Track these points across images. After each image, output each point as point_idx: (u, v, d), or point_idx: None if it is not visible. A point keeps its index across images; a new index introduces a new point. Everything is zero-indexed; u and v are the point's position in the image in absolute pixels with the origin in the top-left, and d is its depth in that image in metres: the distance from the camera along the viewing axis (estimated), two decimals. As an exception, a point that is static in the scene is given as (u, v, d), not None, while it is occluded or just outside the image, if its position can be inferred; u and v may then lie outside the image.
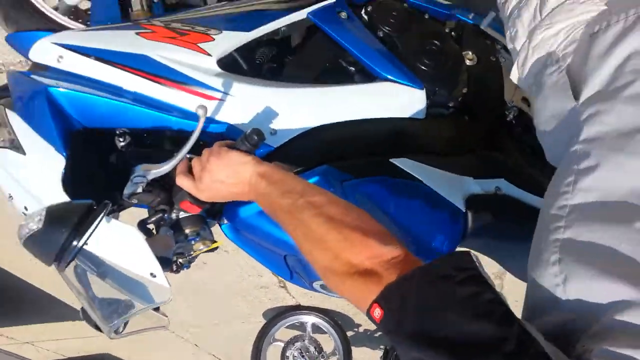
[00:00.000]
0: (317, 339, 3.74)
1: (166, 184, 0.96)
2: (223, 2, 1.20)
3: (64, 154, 0.91)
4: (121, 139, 0.98)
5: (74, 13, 1.36)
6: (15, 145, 0.96)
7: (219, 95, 0.99)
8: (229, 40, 1.05)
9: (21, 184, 0.98)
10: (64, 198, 0.90)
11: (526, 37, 0.87)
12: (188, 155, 0.92)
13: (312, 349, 3.71)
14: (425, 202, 1.07)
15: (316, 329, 3.69)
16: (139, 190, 0.93)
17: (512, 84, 1.09)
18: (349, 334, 3.71)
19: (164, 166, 0.90)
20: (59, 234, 0.70)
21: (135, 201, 0.95)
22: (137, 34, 1.03)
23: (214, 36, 1.04)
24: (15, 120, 0.96)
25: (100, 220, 0.73)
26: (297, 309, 3.81)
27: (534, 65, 0.85)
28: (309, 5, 1.17)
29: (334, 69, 1.16)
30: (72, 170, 0.92)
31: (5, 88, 1.03)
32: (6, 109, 0.99)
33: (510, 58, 1.04)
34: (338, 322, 3.63)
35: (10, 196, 1.02)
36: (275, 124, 1.03)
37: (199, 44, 1.03)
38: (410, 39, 1.23)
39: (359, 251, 0.65)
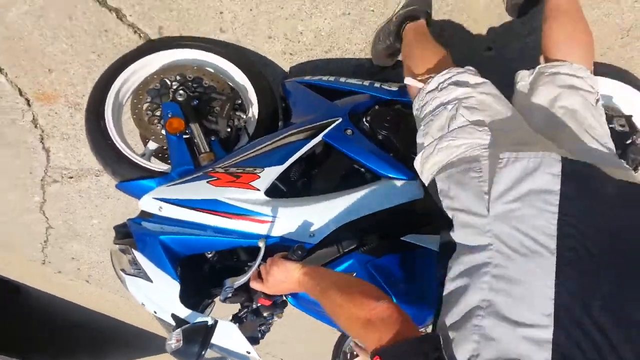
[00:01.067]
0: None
1: (246, 287, 1.41)
2: (262, 139, 1.63)
3: (178, 280, 1.37)
4: (212, 259, 1.44)
5: (158, 154, 1.86)
6: (143, 276, 1.44)
7: (269, 219, 1.42)
8: (269, 175, 1.48)
9: (151, 299, 1.46)
10: (183, 309, 1.38)
11: (435, 139, 1.24)
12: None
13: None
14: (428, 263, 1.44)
15: None
16: (230, 295, 1.38)
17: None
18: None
19: (242, 278, 1.35)
20: (194, 348, 1.16)
21: (228, 302, 1.40)
22: (207, 182, 1.49)
23: (259, 174, 1.48)
24: (140, 258, 1.44)
25: (213, 334, 1.19)
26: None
27: (436, 162, 1.21)
28: (322, 129, 1.59)
29: (349, 174, 1.57)
30: (185, 289, 1.39)
31: (128, 234, 1.52)
32: (133, 250, 1.47)
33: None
34: None
35: (143, 304, 1.50)
36: (313, 229, 1.45)
37: (250, 183, 1.47)
38: (403, 136, 1.62)
39: (361, 307, 1.01)
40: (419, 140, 1.33)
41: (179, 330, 1.21)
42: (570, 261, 0.94)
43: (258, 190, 1.45)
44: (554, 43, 1.43)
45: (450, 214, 1.14)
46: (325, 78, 1.86)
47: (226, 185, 1.47)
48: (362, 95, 1.76)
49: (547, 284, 0.92)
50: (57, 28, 1.95)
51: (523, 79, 1.42)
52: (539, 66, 1.41)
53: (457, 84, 1.31)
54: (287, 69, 2.10)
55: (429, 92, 1.35)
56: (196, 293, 1.45)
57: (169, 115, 1.69)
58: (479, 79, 1.33)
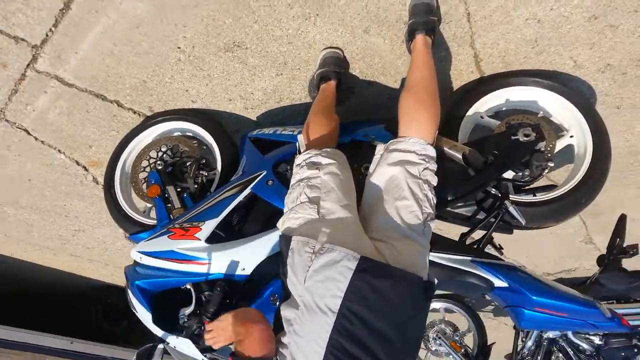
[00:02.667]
0: (451, 320, 4.40)
1: (196, 312, 1.93)
2: (211, 194, 2.12)
3: (149, 310, 1.95)
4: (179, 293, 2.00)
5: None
6: (132, 308, 2.04)
7: (207, 261, 1.93)
8: (209, 226, 1.98)
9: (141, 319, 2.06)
10: (157, 330, 1.95)
11: (289, 209, 1.61)
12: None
13: (448, 330, 4.38)
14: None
15: (448, 311, 4.30)
16: (185, 320, 1.92)
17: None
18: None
19: (189, 309, 1.88)
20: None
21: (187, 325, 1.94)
22: (167, 236, 2.04)
23: (201, 227, 1.99)
24: (130, 296, 2.04)
25: (155, 353, 1.75)
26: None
27: (287, 227, 1.58)
28: (250, 182, 2.04)
29: (272, 217, 2.00)
30: (157, 316, 1.96)
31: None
32: (128, 289, 2.08)
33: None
34: (467, 303, 4.17)
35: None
36: (243, 264, 1.93)
37: (194, 234, 1.98)
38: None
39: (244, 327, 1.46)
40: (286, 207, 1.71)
41: (138, 350, 1.79)
42: (343, 332, 1.30)
43: (199, 240, 1.97)
44: (400, 116, 1.72)
45: (286, 269, 1.53)
46: (267, 130, 2.28)
47: (179, 238, 2.01)
48: (289, 145, 2.16)
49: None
50: (82, 119, 2.63)
51: (379, 152, 1.73)
52: (390, 141, 1.70)
53: (311, 164, 1.66)
54: (254, 119, 2.56)
55: (296, 165, 1.73)
56: (168, 318, 2.01)
57: (151, 183, 2.27)
58: (329, 160, 1.66)
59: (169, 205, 2.25)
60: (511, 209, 1.87)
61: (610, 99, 2.38)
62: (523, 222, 1.89)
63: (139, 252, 2.09)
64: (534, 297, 1.75)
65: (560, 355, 4.08)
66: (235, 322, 1.49)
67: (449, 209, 2.04)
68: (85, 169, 3.02)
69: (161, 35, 2.12)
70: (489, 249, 2.14)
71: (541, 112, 2.18)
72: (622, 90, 2.33)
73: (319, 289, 1.37)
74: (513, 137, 2.02)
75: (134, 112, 2.57)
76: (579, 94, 2.11)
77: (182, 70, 2.29)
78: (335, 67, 2.13)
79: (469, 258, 1.88)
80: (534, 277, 1.84)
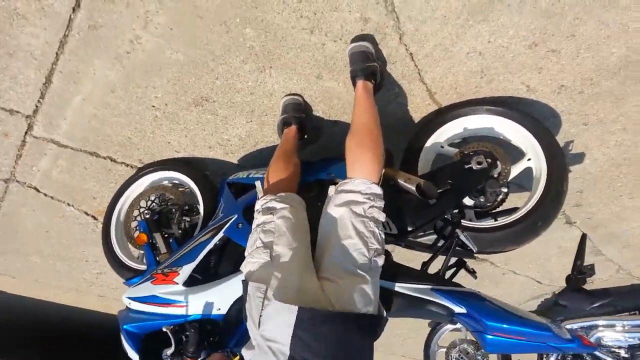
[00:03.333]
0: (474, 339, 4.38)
1: (178, 352, 2.08)
2: (190, 239, 2.29)
3: (137, 353, 2.12)
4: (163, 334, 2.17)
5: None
6: (124, 350, 2.22)
7: (185, 304, 2.09)
8: (186, 271, 2.14)
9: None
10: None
11: (248, 253, 1.73)
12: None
13: (470, 350, 4.37)
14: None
15: None
16: (167, 360, 2.07)
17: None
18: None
19: (171, 349, 2.03)
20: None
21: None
22: (150, 282, 2.21)
23: (179, 271, 2.15)
24: (124, 341, 2.22)
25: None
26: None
27: (246, 270, 1.71)
28: (223, 227, 2.19)
29: (244, 258, 2.15)
30: (144, 358, 2.12)
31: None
32: (122, 336, 2.26)
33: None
34: None
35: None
36: (217, 304, 2.07)
37: (173, 279, 2.15)
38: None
39: None
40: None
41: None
42: None
43: (177, 284, 2.13)
44: (346, 159, 1.83)
45: (245, 313, 1.66)
46: (241, 174, 2.44)
47: (160, 283, 2.18)
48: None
49: None
50: (82, 174, 2.87)
51: (330, 191, 1.83)
52: (339, 182, 1.81)
53: (267, 210, 1.79)
54: (236, 162, 2.73)
55: (255, 211, 1.86)
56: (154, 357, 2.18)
57: (140, 231, 2.46)
58: (283, 205, 1.78)
59: (157, 251, 2.43)
60: (462, 236, 1.95)
61: (575, 117, 2.42)
62: (474, 249, 1.96)
63: (127, 297, 2.27)
64: (488, 322, 1.81)
65: (585, 371, 4.00)
66: None
67: (411, 238, 2.13)
68: (94, 218, 3.26)
69: (135, 97, 2.33)
70: (463, 274, 2.22)
71: (502, 137, 2.24)
72: (585, 108, 2.36)
73: (270, 334, 1.49)
74: (466, 166, 2.10)
75: (127, 165, 2.79)
76: (530, 118, 2.16)
77: (160, 125, 2.49)
78: (294, 113, 2.27)
79: (430, 286, 1.95)
80: (490, 303, 1.89)
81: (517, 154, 2.19)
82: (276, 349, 1.46)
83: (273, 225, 1.74)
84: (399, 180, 2.08)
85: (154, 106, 2.39)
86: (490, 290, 4.08)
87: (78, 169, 2.81)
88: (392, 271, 1.98)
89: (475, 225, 2.07)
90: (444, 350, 4.54)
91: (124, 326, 2.18)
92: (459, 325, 4.71)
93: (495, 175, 2.09)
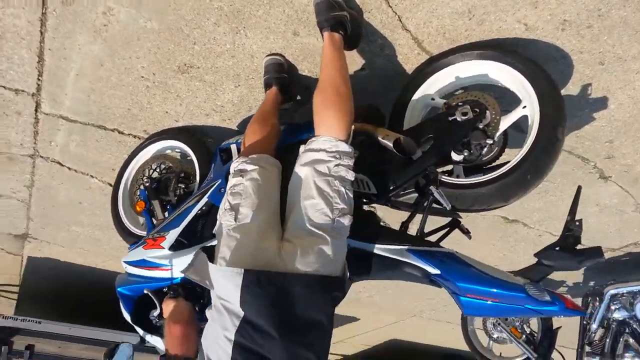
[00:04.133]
0: None
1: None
2: (178, 205, 2.33)
3: (129, 314, 2.21)
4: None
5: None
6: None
7: (170, 267, 2.14)
8: (172, 236, 2.18)
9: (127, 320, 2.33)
10: (138, 329, 2.20)
11: (219, 217, 1.72)
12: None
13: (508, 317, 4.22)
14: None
15: None
16: (157, 320, 2.14)
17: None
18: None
19: (156, 311, 2.10)
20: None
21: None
22: (142, 247, 2.28)
23: (166, 236, 2.20)
24: (120, 299, 2.32)
25: (116, 352, 1.99)
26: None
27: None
28: (207, 192, 2.20)
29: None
30: (137, 317, 2.21)
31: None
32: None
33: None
34: None
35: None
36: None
37: (160, 243, 2.20)
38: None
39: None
40: None
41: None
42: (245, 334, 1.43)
43: (164, 248, 2.18)
44: (313, 115, 1.78)
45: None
46: (232, 140, 2.42)
47: (150, 248, 2.25)
48: (244, 152, 2.29)
49: None
50: (96, 147, 2.99)
51: (300, 150, 1.76)
52: (308, 141, 1.76)
53: (237, 172, 1.76)
54: (235, 128, 2.72)
55: (229, 173, 1.84)
56: (141, 317, 2.25)
57: (139, 199, 2.54)
58: (253, 167, 1.74)
59: (155, 217, 2.50)
60: (435, 194, 1.83)
61: (587, 56, 2.17)
62: (448, 207, 1.83)
63: (124, 261, 2.37)
64: (459, 284, 1.70)
65: (631, 339, 3.71)
66: (167, 321, 1.69)
67: (393, 198, 2.03)
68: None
69: (123, 68, 2.37)
70: (457, 233, 2.10)
71: (500, 84, 2.06)
72: (597, 45, 2.11)
73: (223, 295, 1.51)
74: (450, 118, 1.96)
75: (134, 137, 2.87)
76: (524, 59, 1.96)
77: (154, 95, 2.52)
78: (275, 74, 2.21)
79: (405, 247, 1.86)
80: (464, 264, 1.77)
81: (516, 102, 2.00)
82: (230, 309, 1.47)
83: (241, 188, 1.72)
84: (378, 137, 1.98)
85: (142, 77, 2.42)
86: (528, 254, 3.86)
87: (91, 142, 2.94)
88: (371, 232, 1.91)
89: (455, 182, 1.93)
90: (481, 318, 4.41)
91: (118, 288, 2.28)
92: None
93: (482, 127, 1.93)
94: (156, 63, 2.33)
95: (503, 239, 3.80)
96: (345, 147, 1.69)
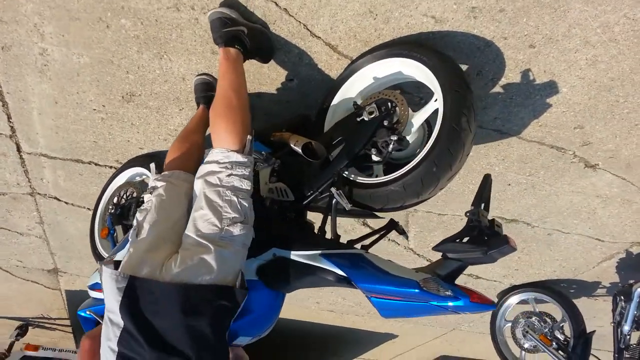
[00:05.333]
0: (545, 311, 4.01)
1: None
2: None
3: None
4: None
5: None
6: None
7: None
8: (118, 257, 2.28)
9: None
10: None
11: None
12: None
13: (536, 324, 3.99)
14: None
15: (539, 301, 3.97)
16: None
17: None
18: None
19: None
20: None
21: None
22: (98, 271, 2.39)
23: (114, 258, 2.30)
24: (80, 321, 2.45)
25: None
26: (513, 289, 4.19)
27: None
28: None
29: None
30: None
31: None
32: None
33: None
34: (556, 289, 3.86)
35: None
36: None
37: (110, 266, 2.30)
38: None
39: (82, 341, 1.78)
40: None
41: None
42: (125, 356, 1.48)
43: (112, 271, 2.28)
44: (209, 129, 1.83)
45: None
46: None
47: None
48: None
49: None
50: (81, 180, 3.19)
51: None
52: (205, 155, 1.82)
53: (149, 189, 1.86)
54: (195, 150, 2.81)
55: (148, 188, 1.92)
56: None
57: (104, 226, 2.68)
58: (162, 183, 1.82)
59: (118, 242, 2.62)
60: (335, 194, 1.80)
61: (513, 41, 2.07)
62: (346, 207, 1.79)
63: (87, 286, 2.50)
64: (359, 284, 1.66)
65: (669, 340, 3.39)
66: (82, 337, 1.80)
67: (312, 203, 2.02)
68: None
69: (75, 103, 2.54)
70: (393, 235, 2.06)
71: (414, 80, 2.02)
72: (518, 28, 2.01)
73: (109, 304, 1.57)
74: (358, 119, 1.94)
75: (109, 167, 3.05)
76: (429, 51, 1.90)
77: (111, 125, 2.68)
78: (201, 93, 2.29)
79: (319, 252, 1.84)
80: (368, 263, 1.72)
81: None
82: (114, 320, 1.53)
83: (149, 205, 1.79)
84: (290, 144, 2.00)
85: (94, 109, 2.58)
86: (545, 255, 3.62)
87: (75, 176, 3.14)
88: (296, 239, 1.90)
89: (365, 182, 1.89)
90: (509, 325, 4.18)
91: (78, 312, 2.40)
92: (525, 297, 4.32)
93: (391, 124, 1.89)
94: (101, 95, 2.48)
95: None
96: (239, 157, 1.72)
